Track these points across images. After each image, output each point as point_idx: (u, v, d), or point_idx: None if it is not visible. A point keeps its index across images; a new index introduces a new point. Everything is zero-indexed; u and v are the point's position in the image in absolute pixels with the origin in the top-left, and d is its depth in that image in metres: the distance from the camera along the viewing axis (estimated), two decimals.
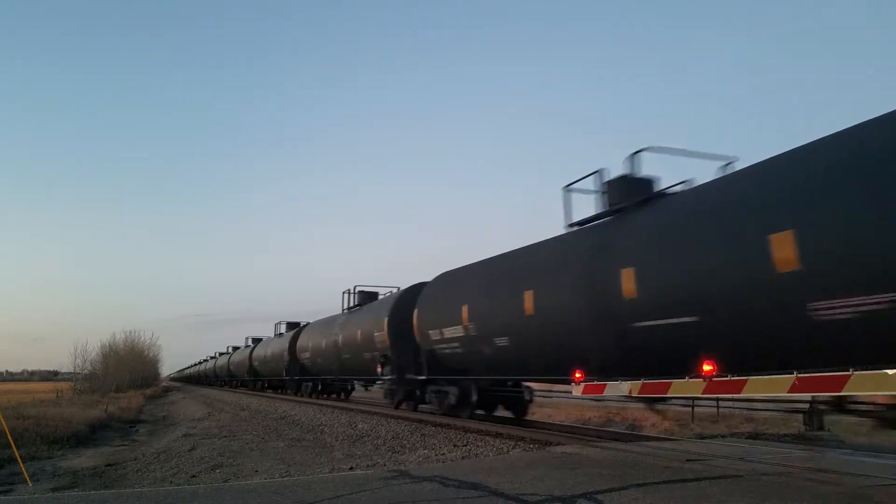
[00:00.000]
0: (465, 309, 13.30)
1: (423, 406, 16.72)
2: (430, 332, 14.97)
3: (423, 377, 15.64)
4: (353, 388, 28.26)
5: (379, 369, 18.24)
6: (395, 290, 21.13)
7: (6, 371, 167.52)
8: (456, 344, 13.86)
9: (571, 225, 11.22)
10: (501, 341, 11.98)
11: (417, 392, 16.64)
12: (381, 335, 18.39)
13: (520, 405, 14.87)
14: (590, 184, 10.91)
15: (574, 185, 11.12)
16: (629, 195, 9.89)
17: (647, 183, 10.04)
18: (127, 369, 60.75)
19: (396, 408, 17.88)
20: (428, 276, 17.57)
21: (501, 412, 15.40)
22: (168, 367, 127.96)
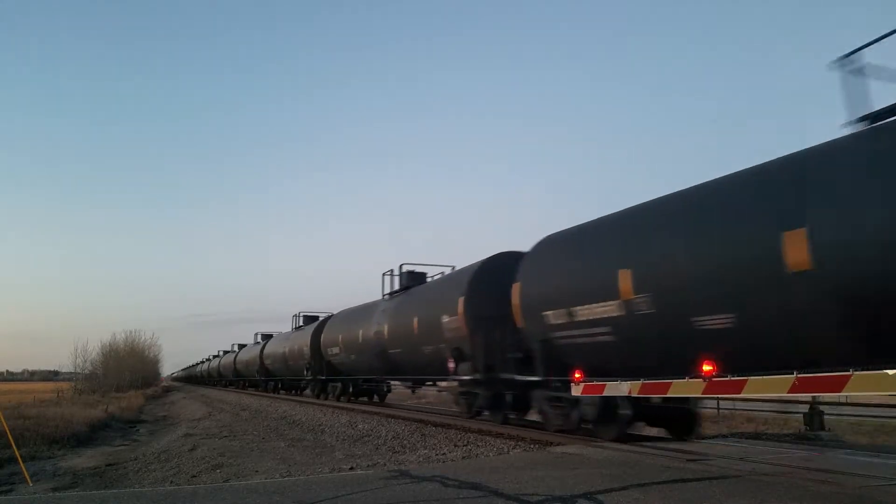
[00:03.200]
0: (624, 275, 8.97)
1: (513, 416, 12.94)
2: (548, 313, 10.61)
3: (538, 378, 11.18)
4: (388, 390, 24.03)
5: (451, 366, 13.93)
6: (446, 271, 17.51)
7: (6, 371, 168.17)
8: (603, 330, 9.47)
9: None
10: (710, 321, 7.69)
11: (510, 398, 12.44)
12: (455, 321, 13.97)
13: (685, 421, 10.32)
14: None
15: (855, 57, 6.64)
16: None
17: None
18: (127, 369, 60.79)
19: (473, 417, 13.88)
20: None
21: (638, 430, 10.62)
22: (169, 367, 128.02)
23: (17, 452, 12.76)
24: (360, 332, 20.94)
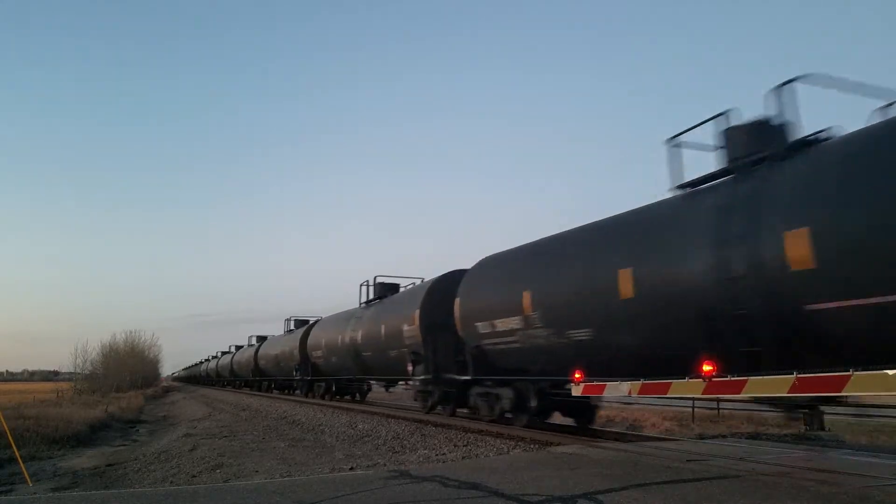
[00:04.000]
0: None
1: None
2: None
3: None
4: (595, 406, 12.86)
5: None
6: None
7: (6, 371, 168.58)
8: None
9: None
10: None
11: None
12: None
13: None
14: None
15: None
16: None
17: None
18: (127, 369, 60.82)
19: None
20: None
21: None
22: (169, 367, 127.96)
23: (17, 452, 12.76)
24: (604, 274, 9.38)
